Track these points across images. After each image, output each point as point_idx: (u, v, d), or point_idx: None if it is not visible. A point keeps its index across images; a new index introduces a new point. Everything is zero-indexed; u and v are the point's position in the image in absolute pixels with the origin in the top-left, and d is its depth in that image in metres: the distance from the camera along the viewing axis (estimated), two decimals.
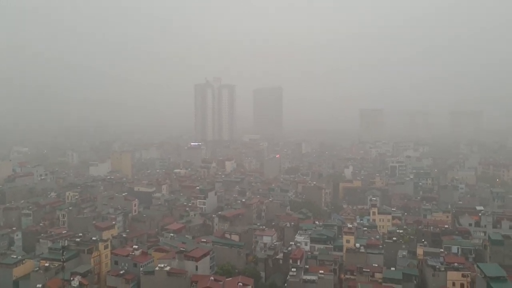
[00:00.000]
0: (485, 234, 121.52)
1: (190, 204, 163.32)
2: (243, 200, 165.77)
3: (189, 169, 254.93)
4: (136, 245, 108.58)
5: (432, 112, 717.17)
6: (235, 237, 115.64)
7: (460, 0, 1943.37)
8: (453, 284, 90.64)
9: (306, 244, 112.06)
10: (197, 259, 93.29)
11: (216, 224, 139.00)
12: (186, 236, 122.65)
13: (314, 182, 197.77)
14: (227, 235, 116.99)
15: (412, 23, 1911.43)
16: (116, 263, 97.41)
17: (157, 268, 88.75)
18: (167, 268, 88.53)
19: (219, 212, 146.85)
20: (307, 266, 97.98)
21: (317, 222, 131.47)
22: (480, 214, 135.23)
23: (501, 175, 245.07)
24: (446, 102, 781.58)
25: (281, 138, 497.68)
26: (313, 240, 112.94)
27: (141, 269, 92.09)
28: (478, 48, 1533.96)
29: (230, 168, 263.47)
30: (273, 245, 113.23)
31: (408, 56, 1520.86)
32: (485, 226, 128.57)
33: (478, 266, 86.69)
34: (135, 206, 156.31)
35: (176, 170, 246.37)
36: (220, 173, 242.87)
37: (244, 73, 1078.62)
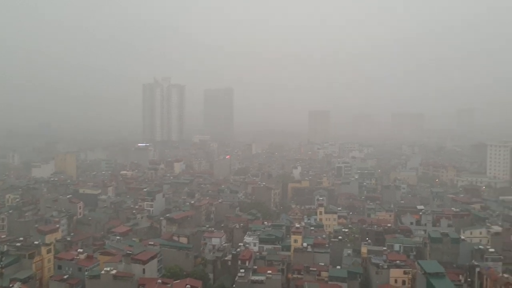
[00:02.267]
0: (425, 232, 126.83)
1: (137, 207, 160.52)
2: (192, 202, 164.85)
3: (136, 170, 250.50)
4: (81, 248, 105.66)
5: (376, 114, 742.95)
6: (184, 239, 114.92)
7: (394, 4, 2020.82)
8: (395, 281, 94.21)
9: (255, 245, 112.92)
10: (144, 262, 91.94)
11: (164, 227, 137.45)
12: (133, 239, 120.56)
13: (264, 183, 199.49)
14: (175, 238, 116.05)
15: (353, 23, 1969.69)
16: (59, 267, 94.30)
17: (103, 272, 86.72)
18: (113, 272, 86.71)
19: (167, 215, 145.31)
20: (256, 267, 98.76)
21: (266, 223, 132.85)
22: (420, 213, 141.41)
23: (440, 176, 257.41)
24: (389, 104, 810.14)
25: (232, 139, 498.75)
26: (261, 241, 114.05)
27: (86, 273, 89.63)
28: (420, 51, 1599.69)
29: (179, 170, 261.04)
30: (222, 247, 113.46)
31: (353, 59, 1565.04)
32: (425, 224, 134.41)
33: (418, 263, 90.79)
34: (80, 208, 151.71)
35: (122, 172, 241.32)
36: (168, 174, 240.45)
37: (194, 73, 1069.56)
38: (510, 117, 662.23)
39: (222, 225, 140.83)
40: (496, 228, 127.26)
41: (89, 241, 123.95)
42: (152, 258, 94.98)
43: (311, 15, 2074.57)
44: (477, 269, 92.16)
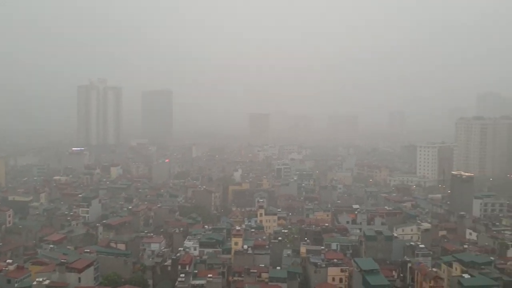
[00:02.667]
0: (360, 231, 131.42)
1: (72, 213, 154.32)
2: (130, 207, 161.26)
3: (71, 175, 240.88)
4: (10, 259, 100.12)
5: (313, 116, 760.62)
6: (121, 246, 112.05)
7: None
8: (333, 279, 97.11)
9: (195, 249, 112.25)
10: (79, 271, 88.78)
11: (101, 233, 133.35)
12: (68, 247, 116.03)
13: (204, 186, 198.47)
14: (113, 244, 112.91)
15: (290, 28, 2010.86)
16: None
17: (34, 283, 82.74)
18: (46, 282, 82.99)
19: (104, 221, 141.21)
20: (196, 271, 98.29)
21: (206, 226, 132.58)
22: (356, 212, 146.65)
23: (374, 176, 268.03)
24: (326, 107, 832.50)
25: (171, 142, 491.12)
26: (202, 245, 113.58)
27: (16, 285, 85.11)
28: (355, 56, 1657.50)
29: (116, 174, 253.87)
30: (161, 252, 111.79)
31: (291, 62, 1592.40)
32: (360, 223, 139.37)
33: (354, 261, 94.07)
34: (9, 217, 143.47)
35: (56, 177, 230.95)
36: (105, 179, 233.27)
37: (132, 74, 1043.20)
38: (438, 120, 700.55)
39: (162, 230, 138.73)
40: (426, 225, 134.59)
41: (20, 251, 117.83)
42: (88, 266, 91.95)
43: (255, 20, 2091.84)
44: (409, 265, 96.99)
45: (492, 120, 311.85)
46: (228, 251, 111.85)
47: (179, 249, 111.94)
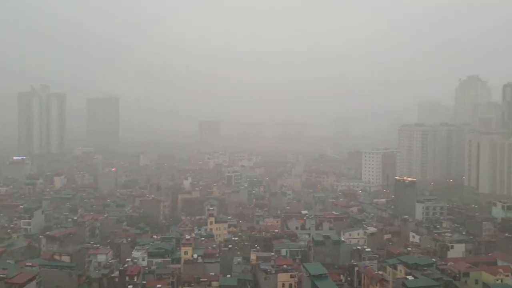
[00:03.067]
0: (309, 236, 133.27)
1: (12, 225, 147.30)
2: (75, 218, 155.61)
3: (11, 186, 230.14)
4: None
5: (264, 123, 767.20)
6: (66, 258, 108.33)
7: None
8: (283, 285, 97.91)
9: (143, 260, 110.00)
10: (20, 286, 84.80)
11: (44, 246, 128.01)
12: (8, 261, 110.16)
13: (153, 195, 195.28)
14: (57, 257, 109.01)
15: (242, 34, 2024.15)
16: None
17: None
18: None
19: (47, 232, 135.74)
20: (145, 282, 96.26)
21: (155, 236, 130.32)
22: (305, 218, 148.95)
23: (322, 181, 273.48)
24: (275, 113, 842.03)
25: (118, 150, 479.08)
26: (150, 255, 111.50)
27: None
28: (302, 63, 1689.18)
29: (60, 184, 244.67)
30: (108, 264, 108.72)
31: (240, 68, 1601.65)
32: (309, 228, 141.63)
33: (303, 266, 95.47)
34: None
35: None
36: (48, 189, 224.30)
37: (77, 81, 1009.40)
38: (382, 127, 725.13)
39: (109, 241, 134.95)
40: (372, 229, 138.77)
41: None
42: (30, 280, 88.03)
43: (206, 26, 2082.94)
44: (356, 268, 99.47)
45: (432, 127, 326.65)
46: (177, 260, 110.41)
47: (127, 260, 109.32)
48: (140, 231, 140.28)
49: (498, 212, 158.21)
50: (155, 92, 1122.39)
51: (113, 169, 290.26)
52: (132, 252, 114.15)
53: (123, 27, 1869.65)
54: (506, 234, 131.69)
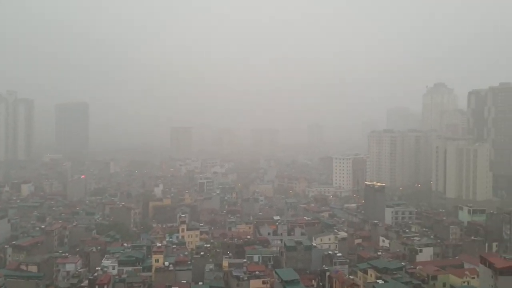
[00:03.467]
0: (281, 242, 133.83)
1: None
2: (43, 226, 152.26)
3: None
4: None
5: (236, 130, 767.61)
6: (33, 268, 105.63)
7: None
8: None
9: (113, 268, 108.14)
10: None
11: (10, 256, 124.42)
12: None
13: (123, 203, 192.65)
14: (23, 267, 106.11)
15: (220, 46, 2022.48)
16: None
17: None
18: None
19: (13, 242, 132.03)
20: None
21: (125, 244, 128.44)
22: (277, 224, 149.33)
23: (294, 187, 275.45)
24: (248, 120, 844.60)
25: (87, 157, 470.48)
26: (121, 263, 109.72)
27: None
28: (277, 70, 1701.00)
29: (27, 192, 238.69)
30: (77, 273, 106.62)
31: (213, 75, 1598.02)
32: (281, 234, 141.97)
33: (276, 272, 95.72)
34: None
35: None
36: (14, 197, 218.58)
37: (45, 86, 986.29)
38: (352, 132, 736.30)
39: (78, 249, 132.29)
40: (342, 234, 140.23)
41: None
42: None
43: (180, 32, 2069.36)
44: (328, 273, 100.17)
45: (400, 133, 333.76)
46: (148, 268, 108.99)
47: (97, 268, 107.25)
48: (110, 239, 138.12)
49: (464, 216, 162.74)
50: (126, 98, 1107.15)
51: (82, 176, 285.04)
52: (102, 261, 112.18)
53: (95, 31, 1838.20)
54: (472, 238, 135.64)
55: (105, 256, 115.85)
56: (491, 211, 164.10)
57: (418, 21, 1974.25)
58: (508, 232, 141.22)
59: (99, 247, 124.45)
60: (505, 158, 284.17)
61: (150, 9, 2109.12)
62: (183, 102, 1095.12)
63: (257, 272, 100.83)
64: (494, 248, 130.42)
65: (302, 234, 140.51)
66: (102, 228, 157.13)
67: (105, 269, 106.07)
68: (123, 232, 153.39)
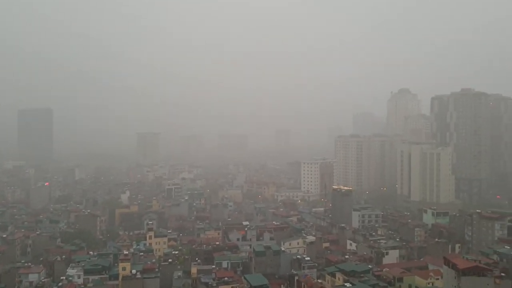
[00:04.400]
0: (250, 247, 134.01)
1: None
2: (4, 235, 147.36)
3: None
4: None
5: (204, 135, 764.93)
6: None
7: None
8: None
9: (79, 277, 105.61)
10: None
11: None
12: None
13: (89, 210, 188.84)
14: None
15: (186, 54, 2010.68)
16: None
17: None
18: None
19: None
20: None
21: (91, 253, 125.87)
22: (246, 229, 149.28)
23: (263, 192, 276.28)
24: (216, 125, 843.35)
25: (51, 164, 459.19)
26: (87, 272, 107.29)
27: None
28: (241, 76, 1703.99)
29: None
30: (40, 283, 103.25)
31: (183, 84, 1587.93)
32: (250, 239, 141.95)
33: (245, 278, 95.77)
34: None
35: None
36: None
37: (8, 92, 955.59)
38: (319, 137, 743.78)
39: (41, 259, 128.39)
40: (311, 238, 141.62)
41: None
42: None
43: (137, 39, 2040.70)
44: (296, 278, 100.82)
45: (366, 138, 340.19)
46: (115, 277, 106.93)
47: (61, 278, 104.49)
48: (76, 248, 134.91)
49: (428, 218, 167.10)
50: (91, 104, 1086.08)
51: (46, 184, 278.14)
52: (67, 270, 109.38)
53: (57, 36, 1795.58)
54: (436, 239, 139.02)
55: (70, 265, 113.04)
56: (454, 213, 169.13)
57: (383, 29, 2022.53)
58: (470, 234, 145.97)
59: (63, 256, 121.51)
60: (467, 162, 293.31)
61: (101, 19, 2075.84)
62: (148, 108, 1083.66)
63: (226, 278, 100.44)
64: (457, 250, 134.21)
65: (271, 239, 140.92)
66: (67, 237, 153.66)
67: (70, 278, 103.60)
68: (89, 240, 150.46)
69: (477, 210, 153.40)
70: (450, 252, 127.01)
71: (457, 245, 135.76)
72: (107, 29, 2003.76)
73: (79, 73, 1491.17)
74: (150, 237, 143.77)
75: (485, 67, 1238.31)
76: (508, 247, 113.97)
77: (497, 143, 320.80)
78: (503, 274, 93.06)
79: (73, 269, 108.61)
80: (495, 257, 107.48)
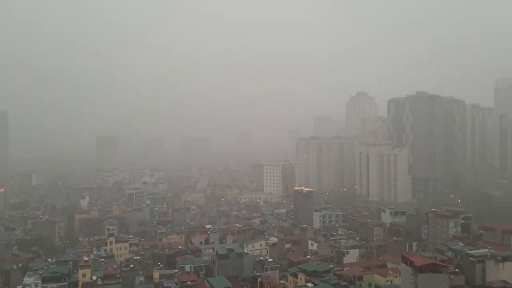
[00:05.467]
0: (213, 250, 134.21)
1: None
2: None
3: None
4: None
5: (165, 139, 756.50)
6: None
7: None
8: None
9: (36, 286, 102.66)
10: None
11: None
12: None
13: (46, 217, 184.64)
14: None
15: (144, 58, 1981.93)
16: None
17: None
18: None
19: None
20: None
21: (49, 260, 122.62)
22: (209, 232, 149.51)
23: (226, 195, 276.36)
24: (177, 129, 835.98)
25: (7, 169, 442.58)
26: (45, 280, 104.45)
27: None
28: (203, 82, 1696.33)
29: None
30: None
31: (142, 86, 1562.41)
32: (213, 242, 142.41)
33: (207, 281, 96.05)
34: None
35: None
36: None
37: None
38: (281, 139, 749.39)
39: None
40: (273, 239, 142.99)
41: None
42: None
43: (92, 45, 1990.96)
44: (259, 279, 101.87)
45: (326, 140, 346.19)
46: (75, 284, 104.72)
47: (18, 287, 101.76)
48: (33, 255, 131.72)
49: (386, 217, 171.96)
50: (49, 107, 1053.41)
51: (1, 190, 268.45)
52: (24, 279, 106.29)
53: (14, 39, 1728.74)
54: (394, 238, 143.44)
55: (27, 273, 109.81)
56: (411, 212, 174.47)
57: (340, 33, 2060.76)
58: (426, 232, 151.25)
59: (20, 264, 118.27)
60: (422, 162, 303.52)
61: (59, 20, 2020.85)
62: (108, 111, 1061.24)
63: (188, 282, 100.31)
64: (414, 248, 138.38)
65: (234, 241, 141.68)
66: (23, 244, 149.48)
67: (27, 287, 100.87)
68: (47, 247, 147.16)
69: (433, 209, 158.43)
70: (407, 250, 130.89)
71: (414, 243, 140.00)
72: (66, 23, 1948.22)
73: (36, 72, 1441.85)
74: (111, 243, 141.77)
75: (438, 70, 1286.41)
76: (462, 244, 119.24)
77: (450, 144, 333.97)
78: (457, 270, 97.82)
79: (30, 278, 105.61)
80: (449, 254, 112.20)
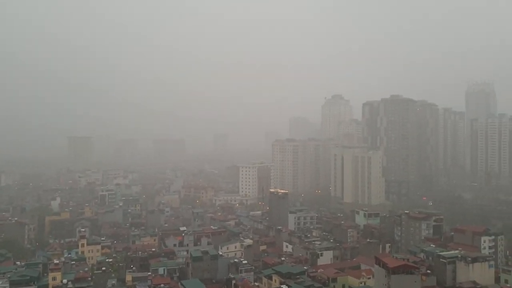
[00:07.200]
0: (187, 252, 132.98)
1: None
2: None
3: None
4: None
5: (138, 140, 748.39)
6: None
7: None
8: None
9: None
10: None
11: None
12: None
13: (16, 218, 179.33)
14: None
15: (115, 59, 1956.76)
16: None
17: None
18: None
19: None
20: None
21: (18, 263, 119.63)
22: (183, 234, 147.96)
23: (201, 196, 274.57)
24: (151, 130, 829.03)
25: None
26: (13, 284, 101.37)
27: None
28: (183, 82, 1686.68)
29: None
30: None
31: (115, 87, 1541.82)
32: (187, 244, 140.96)
33: (181, 283, 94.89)
34: None
35: None
36: None
37: None
38: (257, 142, 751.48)
39: None
40: (248, 241, 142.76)
41: None
42: None
43: (73, 39, 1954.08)
44: (233, 281, 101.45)
45: (302, 142, 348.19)
46: (45, 287, 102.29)
47: None
48: (1, 258, 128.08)
49: (360, 219, 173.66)
50: (18, 106, 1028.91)
51: None
52: None
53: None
54: (368, 240, 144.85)
55: None
56: (384, 214, 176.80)
57: (315, 36, 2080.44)
58: (399, 234, 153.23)
59: None
60: (396, 165, 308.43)
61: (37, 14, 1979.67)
62: (80, 112, 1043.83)
63: (162, 285, 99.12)
64: (387, 249, 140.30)
65: (209, 243, 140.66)
66: None
67: None
68: (16, 249, 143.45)
69: (405, 211, 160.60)
70: (381, 251, 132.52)
71: (387, 245, 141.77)
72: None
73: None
74: (83, 245, 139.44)
75: (412, 75, 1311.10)
76: (434, 246, 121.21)
77: (423, 147, 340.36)
78: (428, 271, 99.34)
79: None
80: (421, 255, 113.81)
